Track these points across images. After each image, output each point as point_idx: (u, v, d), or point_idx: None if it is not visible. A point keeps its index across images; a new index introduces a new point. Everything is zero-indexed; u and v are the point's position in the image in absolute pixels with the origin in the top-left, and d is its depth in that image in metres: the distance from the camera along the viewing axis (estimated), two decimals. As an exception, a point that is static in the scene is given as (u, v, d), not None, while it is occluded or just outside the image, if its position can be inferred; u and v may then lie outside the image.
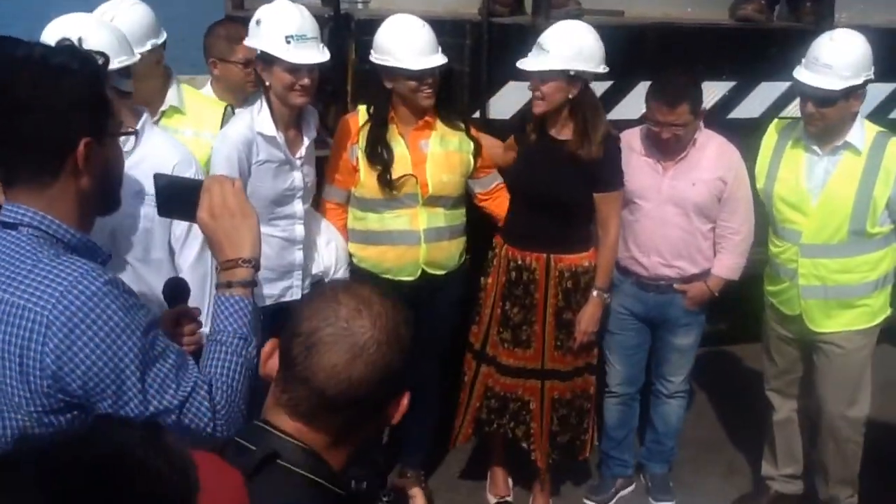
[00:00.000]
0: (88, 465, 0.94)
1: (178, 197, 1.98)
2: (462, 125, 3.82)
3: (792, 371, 4.04)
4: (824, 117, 3.56)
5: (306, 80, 3.32)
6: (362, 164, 3.68)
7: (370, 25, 3.76)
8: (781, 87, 4.53)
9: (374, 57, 3.60)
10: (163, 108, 3.55)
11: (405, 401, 1.48)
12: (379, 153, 3.65)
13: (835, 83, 3.48)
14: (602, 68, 3.62)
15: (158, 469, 0.98)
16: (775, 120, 4.03)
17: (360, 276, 3.73)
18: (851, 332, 3.78)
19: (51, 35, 2.58)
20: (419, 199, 3.72)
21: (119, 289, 1.71)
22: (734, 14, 4.76)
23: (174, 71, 3.66)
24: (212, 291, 2.84)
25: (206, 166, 3.30)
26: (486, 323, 3.94)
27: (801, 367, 4.01)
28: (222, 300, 1.90)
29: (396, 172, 3.66)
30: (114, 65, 2.27)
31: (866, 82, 3.56)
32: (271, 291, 3.51)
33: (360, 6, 4.27)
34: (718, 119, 4.29)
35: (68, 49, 1.79)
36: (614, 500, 4.40)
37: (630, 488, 4.45)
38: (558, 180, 3.70)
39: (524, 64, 3.64)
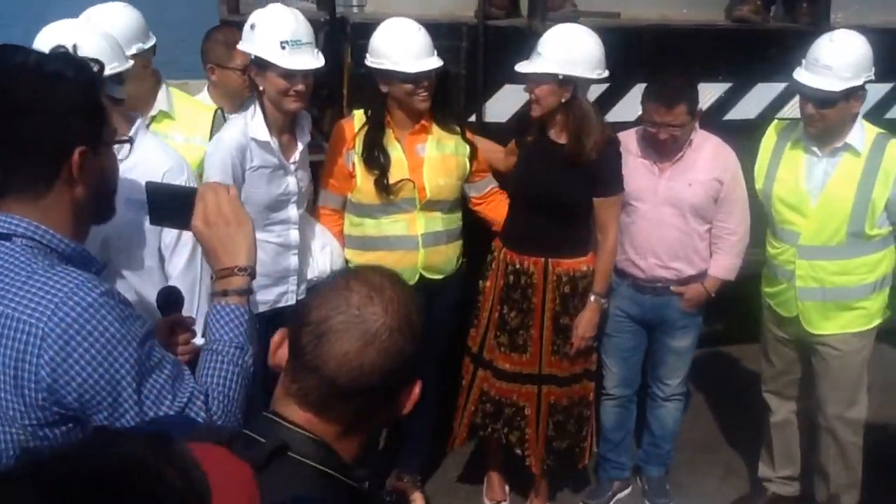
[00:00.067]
0: (88, 473, 0.93)
1: (171, 205, 1.96)
2: (458, 128, 3.81)
3: (789, 372, 4.04)
4: (824, 118, 3.56)
5: (301, 86, 3.30)
6: (359, 169, 3.67)
7: (365, 29, 3.75)
8: (778, 88, 4.53)
9: (370, 60, 3.59)
10: (152, 112, 3.53)
11: (417, 389, 1.47)
12: (376, 157, 3.63)
13: (835, 84, 3.47)
14: (596, 73, 3.58)
15: (165, 476, 0.96)
16: (775, 121, 4.03)
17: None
18: (848, 335, 3.78)
19: (43, 42, 2.56)
20: (417, 204, 3.70)
21: (115, 299, 1.69)
22: (730, 15, 4.76)
23: (170, 75, 3.64)
24: (201, 299, 2.84)
25: (197, 171, 3.28)
26: (484, 327, 3.93)
27: (799, 368, 4.01)
28: (218, 309, 1.89)
29: (393, 177, 3.64)
30: (106, 71, 2.26)
31: (867, 83, 3.55)
32: (267, 297, 3.50)
33: (355, 10, 4.27)
34: (714, 120, 4.28)
35: (63, 56, 1.78)
36: (611, 503, 4.40)
37: (627, 491, 4.44)
38: (557, 181, 3.69)
39: (519, 66, 3.64)
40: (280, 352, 1.47)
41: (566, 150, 3.64)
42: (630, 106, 4.12)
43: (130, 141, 2.00)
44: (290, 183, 3.48)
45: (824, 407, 3.90)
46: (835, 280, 3.71)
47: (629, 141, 3.88)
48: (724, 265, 3.96)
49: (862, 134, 3.62)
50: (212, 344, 1.88)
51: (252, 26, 3.32)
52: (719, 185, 3.84)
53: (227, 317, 1.88)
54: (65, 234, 1.75)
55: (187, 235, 2.78)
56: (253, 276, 1.93)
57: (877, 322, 3.80)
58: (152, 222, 2.06)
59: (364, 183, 3.66)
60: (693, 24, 4.70)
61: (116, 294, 1.71)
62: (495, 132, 4.09)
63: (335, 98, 4.07)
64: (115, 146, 1.89)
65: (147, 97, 3.51)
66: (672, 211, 3.86)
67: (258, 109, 3.37)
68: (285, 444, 1.35)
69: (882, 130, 3.70)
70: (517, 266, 3.82)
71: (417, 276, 3.74)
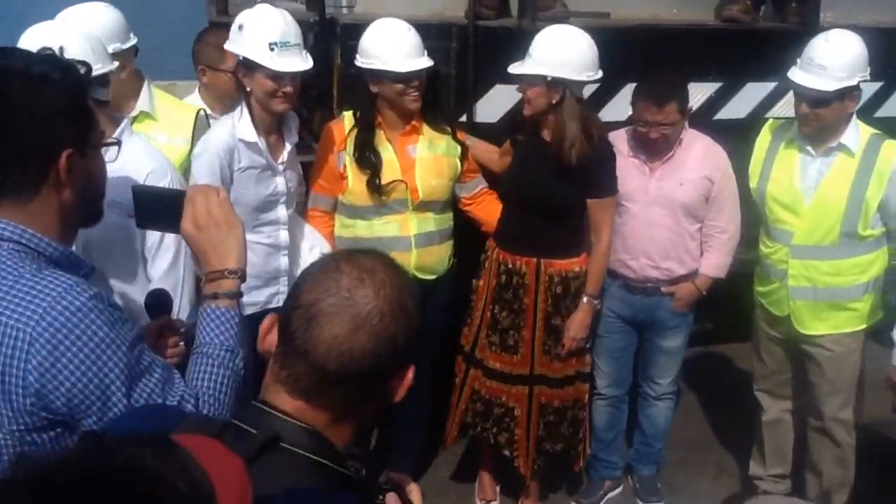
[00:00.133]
0: (85, 475, 0.92)
1: (158, 208, 1.95)
2: (448, 129, 3.80)
3: (781, 372, 4.05)
4: (819, 118, 3.56)
5: (289, 88, 3.29)
6: (351, 170, 3.66)
7: (355, 30, 3.74)
8: (768, 87, 4.54)
9: (360, 61, 3.58)
10: (134, 113, 3.50)
11: (410, 374, 1.43)
12: (367, 157, 3.63)
13: (829, 84, 3.48)
14: (587, 76, 3.57)
15: (165, 476, 0.95)
16: (770, 120, 4.03)
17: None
18: (840, 335, 3.78)
19: (27, 44, 2.52)
20: (409, 205, 3.70)
21: (104, 303, 1.68)
22: (720, 15, 4.77)
23: (159, 76, 3.61)
24: (183, 301, 2.83)
25: (179, 171, 3.25)
26: (477, 326, 3.93)
27: (791, 367, 4.01)
28: (208, 312, 1.88)
29: (385, 178, 3.63)
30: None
31: (861, 83, 3.56)
32: (257, 298, 3.48)
33: (344, 10, 4.26)
34: (704, 120, 4.29)
35: (49, 58, 1.77)
36: (602, 502, 4.40)
37: (618, 490, 4.45)
38: (551, 182, 3.68)
39: (511, 68, 3.64)
40: (269, 337, 1.44)
41: (552, 151, 3.64)
42: (620, 106, 4.12)
43: (118, 143, 1.99)
44: (279, 183, 3.47)
45: (818, 407, 3.89)
46: (827, 280, 3.71)
47: (619, 141, 3.88)
48: (715, 263, 3.97)
49: (856, 134, 3.62)
50: (202, 347, 1.87)
51: (240, 27, 3.30)
52: (710, 184, 3.85)
53: (217, 320, 1.87)
54: (52, 238, 1.74)
55: (170, 238, 2.78)
56: (243, 278, 1.92)
57: (868, 323, 3.80)
58: (139, 225, 2.04)
59: (356, 184, 3.65)
60: (683, 24, 4.71)
61: (105, 297, 1.70)
62: (486, 132, 4.09)
63: (325, 99, 4.06)
64: (103, 148, 1.88)
65: (127, 98, 3.47)
66: (663, 211, 3.86)
67: (245, 110, 3.35)
68: (277, 434, 1.32)
69: (876, 131, 3.70)
70: (509, 266, 3.82)
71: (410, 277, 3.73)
